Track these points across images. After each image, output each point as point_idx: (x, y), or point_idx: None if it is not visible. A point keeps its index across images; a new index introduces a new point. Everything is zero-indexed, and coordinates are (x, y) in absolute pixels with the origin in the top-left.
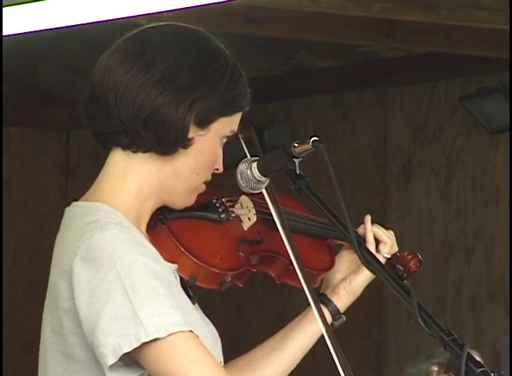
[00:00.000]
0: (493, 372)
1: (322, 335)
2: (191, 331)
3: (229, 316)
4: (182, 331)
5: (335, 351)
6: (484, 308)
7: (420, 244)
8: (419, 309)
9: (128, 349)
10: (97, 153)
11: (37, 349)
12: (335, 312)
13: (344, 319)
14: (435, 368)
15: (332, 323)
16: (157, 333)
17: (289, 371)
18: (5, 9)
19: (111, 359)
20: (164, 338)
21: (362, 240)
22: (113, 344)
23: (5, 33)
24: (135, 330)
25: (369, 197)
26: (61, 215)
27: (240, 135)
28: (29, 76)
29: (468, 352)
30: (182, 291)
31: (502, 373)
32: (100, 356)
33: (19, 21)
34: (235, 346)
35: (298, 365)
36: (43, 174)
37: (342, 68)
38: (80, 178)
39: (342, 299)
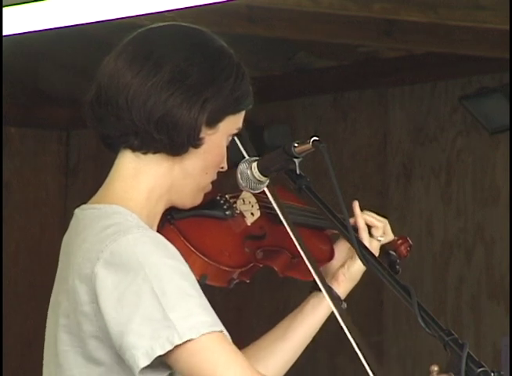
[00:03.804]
0: (493, 372)
1: (323, 324)
2: (221, 331)
3: (229, 316)
4: (214, 332)
5: (350, 332)
6: (484, 308)
7: (420, 243)
8: (419, 308)
9: (161, 352)
10: (97, 153)
11: (38, 349)
12: (336, 300)
13: (345, 305)
14: (435, 368)
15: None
16: (190, 334)
17: (293, 360)
18: (5, 9)
19: (144, 361)
20: (197, 339)
21: (354, 228)
22: (146, 346)
23: (5, 33)
24: (168, 332)
25: (369, 197)
26: (61, 215)
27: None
28: (29, 76)
29: (468, 352)
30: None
31: (502, 373)
32: (131, 358)
33: (19, 21)
34: (235, 345)
35: (298, 362)
36: (43, 174)
37: (342, 68)
38: (80, 178)
39: (342, 286)
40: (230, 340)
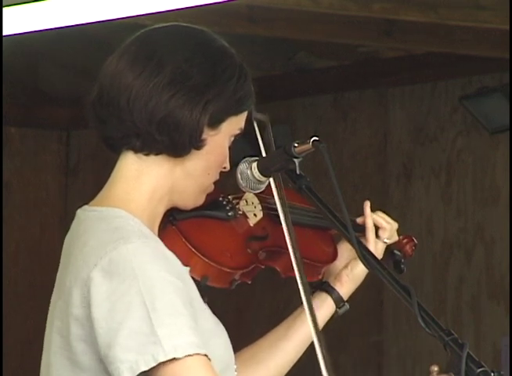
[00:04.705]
0: (493, 372)
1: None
2: (205, 355)
3: (229, 317)
4: (199, 354)
5: (321, 352)
6: (484, 308)
7: (420, 244)
8: (419, 308)
9: (144, 368)
10: (97, 153)
11: (38, 349)
12: (338, 300)
13: (348, 307)
14: (435, 368)
15: (336, 311)
16: (175, 353)
17: (295, 360)
18: (5, 9)
19: (127, 375)
20: (181, 358)
21: (361, 228)
22: (131, 360)
23: (5, 33)
24: (153, 348)
25: (369, 197)
26: (61, 215)
27: (253, 118)
28: (29, 76)
29: (468, 352)
30: (198, 293)
31: (502, 373)
32: (116, 371)
33: (19, 21)
34: (235, 346)
35: (299, 361)
36: (43, 174)
37: (342, 68)
38: (80, 178)
39: (345, 286)
40: (212, 365)
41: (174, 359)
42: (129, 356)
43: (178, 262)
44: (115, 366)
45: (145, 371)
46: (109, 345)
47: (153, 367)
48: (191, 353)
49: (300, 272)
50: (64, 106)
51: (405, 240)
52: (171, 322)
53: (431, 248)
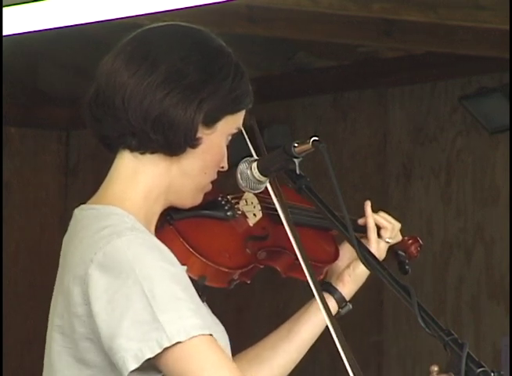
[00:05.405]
0: (493, 372)
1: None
2: (210, 335)
3: (229, 316)
4: (203, 335)
5: (341, 345)
6: (484, 308)
7: None
8: (419, 308)
9: (150, 355)
10: (97, 153)
11: (38, 349)
12: (341, 300)
13: (350, 307)
14: (435, 368)
15: (338, 311)
16: (178, 337)
17: (298, 359)
18: (5, 9)
19: (133, 364)
20: (185, 341)
21: (363, 228)
22: (135, 349)
23: (5, 33)
24: (157, 334)
25: (369, 197)
26: (61, 214)
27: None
28: (29, 76)
29: (468, 352)
30: (195, 291)
31: (502, 373)
32: (120, 360)
33: (19, 21)
34: (235, 346)
35: (299, 363)
36: (43, 174)
37: (342, 68)
38: (80, 178)
39: (347, 287)
40: (218, 344)
41: (178, 343)
42: (133, 345)
43: (173, 256)
44: (119, 355)
45: (149, 359)
46: (113, 337)
47: (158, 354)
48: (195, 335)
49: (309, 271)
50: (64, 106)
51: (410, 241)
52: (171, 307)
53: (431, 248)
